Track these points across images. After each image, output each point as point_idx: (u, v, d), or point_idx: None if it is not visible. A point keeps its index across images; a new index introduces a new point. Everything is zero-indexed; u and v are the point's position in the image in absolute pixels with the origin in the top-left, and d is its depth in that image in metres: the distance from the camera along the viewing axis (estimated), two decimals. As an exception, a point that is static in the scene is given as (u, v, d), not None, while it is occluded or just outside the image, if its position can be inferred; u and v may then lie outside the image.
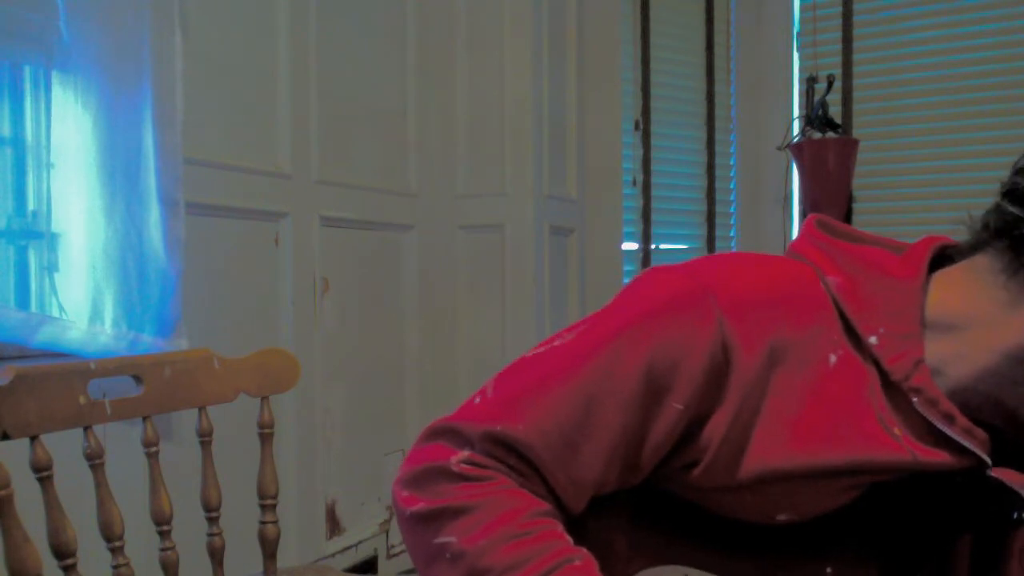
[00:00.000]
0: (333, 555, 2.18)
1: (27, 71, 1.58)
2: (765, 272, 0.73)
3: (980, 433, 0.68)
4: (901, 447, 0.68)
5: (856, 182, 2.99)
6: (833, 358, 0.69)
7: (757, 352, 0.67)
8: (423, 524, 0.68)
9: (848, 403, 0.68)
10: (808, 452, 0.68)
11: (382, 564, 2.36)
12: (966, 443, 0.67)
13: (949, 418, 0.67)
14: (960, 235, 0.72)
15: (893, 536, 0.74)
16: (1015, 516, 0.69)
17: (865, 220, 3.06)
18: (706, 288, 0.69)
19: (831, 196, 2.93)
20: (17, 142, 1.57)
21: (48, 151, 1.57)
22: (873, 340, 0.69)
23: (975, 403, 0.69)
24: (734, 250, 3.24)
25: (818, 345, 0.69)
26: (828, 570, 0.74)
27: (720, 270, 0.72)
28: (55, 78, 1.53)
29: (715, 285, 0.69)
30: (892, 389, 0.69)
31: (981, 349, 0.67)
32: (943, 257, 0.73)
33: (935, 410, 0.67)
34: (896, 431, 0.68)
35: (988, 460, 0.68)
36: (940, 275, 0.72)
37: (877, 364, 0.69)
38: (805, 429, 0.68)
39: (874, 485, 0.71)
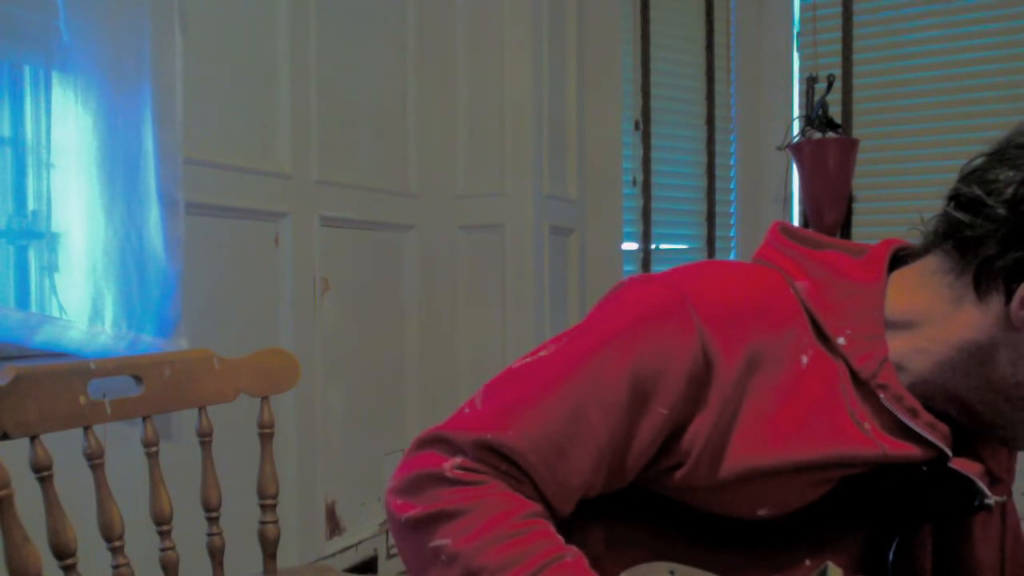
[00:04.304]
0: (333, 555, 2.18)
1: (27, 71, 1.58)
2: (739, 280, 0.77)
3: (942, 427, 0.73)
4: (872, 441, 0.72)
5: (856, 182, 2.99)
6: (805, 359, 0.73)
7: (736, 358, 0.71)
8: (418, 529, 0.69)
9: (821, 401, 0.72)
10: (785, 449, 0.71)
11: (382, 564, 2.37)
12: (928, 436, 0.72)
13: (913, 412, 0.72)
14: (914, 237, 0.78)
15: (864, 524, 0.78)
16: (975, 504, 0.74)
17: (865, 220, 3.06)
18: (686, 299, 0.72)
19: (831, 196, 2.93)
20: (17, 142, 1.57)
21: (48, 151, 1.57)
22: (841, 341, 0.73)
23: (933, 395, 0.74)
24: (734, 250, 3.24)
25: (791, 347, 0.73)
26: (806, 559, 0.77)
27: (697, 280, 0.75)
28: (55, 78, 1.53)
29: (694, 295, 0.72)
30: (861, 386, 0.73)
31: (937, 343, 0.72)
32: (898, 258, 0.78)
33: (900, 405, 0.72)
34: (866, 425, 0.72)
35: (949, 452, 0.72)
36: (896, 276, 0.77)
37: (846, 362, 0.73)
38: (782, 428, 0.71)
39: (846, 477, 0.74)
